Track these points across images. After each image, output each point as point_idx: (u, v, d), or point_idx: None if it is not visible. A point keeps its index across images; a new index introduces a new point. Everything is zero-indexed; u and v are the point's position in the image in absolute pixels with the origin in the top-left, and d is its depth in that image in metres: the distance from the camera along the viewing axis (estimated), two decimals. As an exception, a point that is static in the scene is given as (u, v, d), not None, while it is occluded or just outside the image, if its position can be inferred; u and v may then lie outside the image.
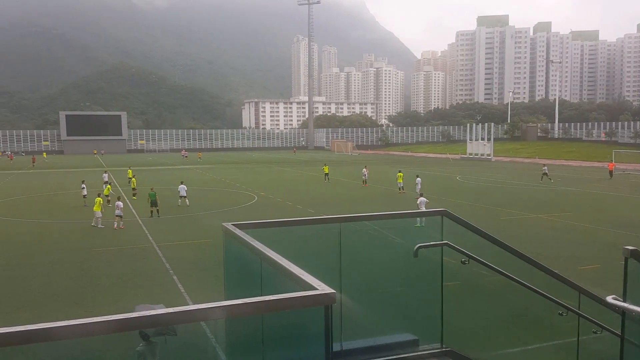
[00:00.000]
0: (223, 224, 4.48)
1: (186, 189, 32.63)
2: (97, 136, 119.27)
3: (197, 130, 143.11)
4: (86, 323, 2.25)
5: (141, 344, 7.73)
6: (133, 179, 38.62)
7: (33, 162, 76.24)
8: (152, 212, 28.02)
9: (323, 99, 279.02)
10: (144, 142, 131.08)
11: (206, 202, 34.37)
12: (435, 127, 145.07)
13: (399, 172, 40.06)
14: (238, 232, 4.12)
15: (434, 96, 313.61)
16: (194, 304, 2.55)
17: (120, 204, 25.67)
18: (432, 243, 5.33)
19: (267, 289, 3.40)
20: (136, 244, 21.50)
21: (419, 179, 35.27)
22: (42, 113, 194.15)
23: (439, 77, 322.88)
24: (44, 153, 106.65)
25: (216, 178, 51.79)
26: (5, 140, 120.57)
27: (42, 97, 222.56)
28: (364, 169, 44.42)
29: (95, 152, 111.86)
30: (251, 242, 3.67)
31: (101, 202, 25.90)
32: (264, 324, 3.13)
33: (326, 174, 47.68)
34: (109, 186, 33.31)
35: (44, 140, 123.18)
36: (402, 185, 38.03)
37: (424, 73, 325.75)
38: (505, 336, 9.68)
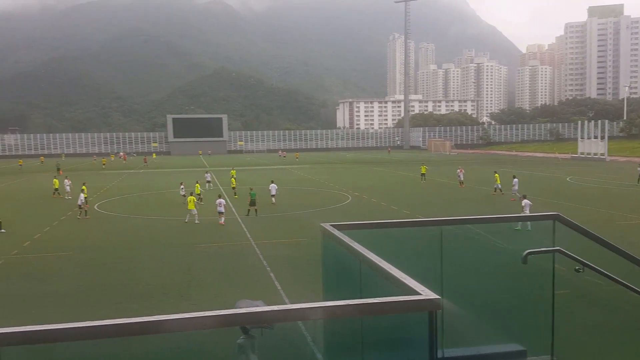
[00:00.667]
0: (321, 224, 4.50)
1: (276, 187, 33.74)
2: (200, 138, 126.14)
3: (292, 131, 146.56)
4: (195, 317, 2.36)
5: (242, 337, 8.02)
6: (232, 179, 40.35)
7: (145, 162, 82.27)
8: (249, 210, 28.97)
9: (420, 97, 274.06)
10: (242, 143, 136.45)
11: (301, 201, 35.04)
12: (543, 125, 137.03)
13: (495, 172, 38.46)
14: (336, 232, 4.12)
15: (541, 92, 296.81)
16: (294, 303, 2.58)
17: (222, 201, 27.00)
18: (543, 249, 5.00)
19: (367, 291, 3.37)
20: (235, 241, 22.41)
21: (515, 179, 33.61)
22: (151, 116, 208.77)
23: (546, 71, 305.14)
24: (154, 154, 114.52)
25: (311, 178, 52.67)
26: (118, 142, 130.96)
27: (152, 101, 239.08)
28: (459, 170, 43.17)
29: (201, 152, 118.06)
30: (350, 244, 3.66)
31: (194, 200, 27.45)
32: (364, 326, 3.10)
33: (423, 174, 46.83)
34: (197, 184, 34.82)
35: (152, 142, 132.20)
36: (499, 186, 36.44)
37: (530, 68, 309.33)
38: (623, 351, 8.90)
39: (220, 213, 26.46)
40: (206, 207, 30.69)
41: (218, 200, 27.10)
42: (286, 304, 12.27)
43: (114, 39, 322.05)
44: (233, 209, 31.45)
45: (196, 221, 26.66)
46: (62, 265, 18.89)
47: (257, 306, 7.77)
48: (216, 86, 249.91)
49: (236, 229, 25.46)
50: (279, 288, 15.50)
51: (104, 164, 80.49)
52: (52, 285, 16.41)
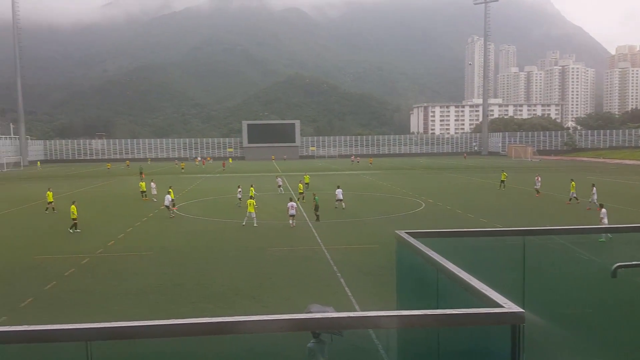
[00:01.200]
0: (396, 231, 4.43)
1: (342, 192, 34.18)
2: (273, 143, 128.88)
3: (364, 137, 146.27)
4: (269, 320, 2.40)
5: (312, 341, 8.05)
6: (300, 184, 40.64)
7: (223, 167, 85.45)
8: (317, 216, 29.18)
9: (499, 101, 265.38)
10: (314, 148, 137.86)
11: (373, 207, 34.83)
12: (633, 130, 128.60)
13: (572, 180, 36.46)
14: (412, 240, 4.04)
15: (632, 95, 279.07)
16: (364, 310, 2.54)
17: (293, 204, 27.61)
18: (634, 263, 4.65)
19: (444, 301, 3.27)
20: (306, 246, 22.61)
21: (595, 188, 31.72)
22: (227, 122, 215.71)
23: (637, 74, 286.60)
24: (230, 159, 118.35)
25: (383, 184, 52.28)
26: (196, 147, 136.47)
27: (228, 107, 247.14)
28: (536, 178, 41.39)
29: (274, 157, 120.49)
30: (427, 252, 3.57)
31: (254, 203, 28.26)
32: (440, 338, 3.00)
33: (502, 181, 45.24)
34: (252, 188, 35.73)
35: (228, 147, 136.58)
36: (574, 194, 34.57)
37: (620, 70, 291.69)
38: None
39: (292, 216, 26.98)
40: (265, 210, 31.18)
41: (290, 204, 27.62)
42: (356, 310, 12.19)
43: (195, 48, 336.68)
44: (304, 214, 31.79)
45: (255, 224, 27.41)
46: (143, 264, 19.90)
47: (328, 311, 7.79)
48: (290, 92, 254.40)
49: (307, 233, 25.70)
50: (349, 294, 15.45)
51: (182, 168, 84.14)
52: (133, 283, 17.31)
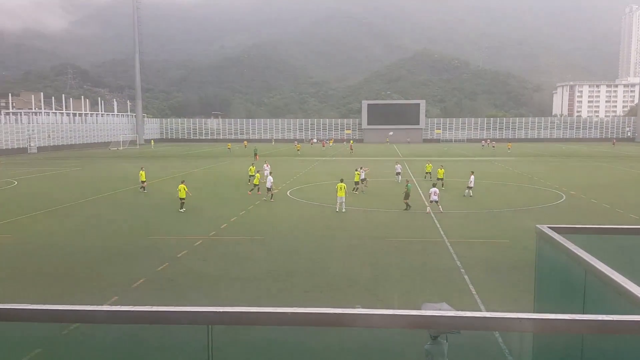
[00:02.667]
0: (537, 225, 4.20)
1: (473, 179, 34.13)
2: (395, 125, 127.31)
3: (498, 119, 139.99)
4: (386, 315, 2.39)
5: (429, 343, 7.95)
6: (440, 170, 39.76)
7: (351, 150, 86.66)
8: (407, 204, 28.95)
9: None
10: (440, 131, 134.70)
11: (505, 198, 33.38)
12: None
13: None
14: (556, 236, 3.78)
15: None
16: (491, 311, 2.42)
17: (436, 190, 28.17)
18: None
19: (592, 305, 3.02)
20: (427, 237, 22.25)
21: None
22: (346, 102, 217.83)
23: None
24: (351, 141, 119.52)
25: (519, 172, 49.83)
26: (312, 128, 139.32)
27: (348, 86, 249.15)
28: None
29: (388, 140, 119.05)
30: (574, 250, 3.33)
31: (344, 187, 28.70)
32: (585, 347, 2.78)
33: None
34: (357, 172, 35.95)
35: (346, 129, 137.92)
36: None
37: None
38: None
39: (434, 202, 27.77)
40: (384, 198, 30.98)
41: (432, 190, 28.21)
42: (481, 310, 11.74)
43: (315, 22, 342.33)
44: (426, 202, 31.30)
45: (343, 209, 27.98)
46: (254, 249, 20.75)
47: (442, 309, 7.59)
48: (416, 69, 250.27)
49: (428, 223, 25.29)
50: (474, 292, 14.97)
51: (298, 150, 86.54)
52: (245, 267, 18.08)
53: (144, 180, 36.84)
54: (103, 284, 16.21)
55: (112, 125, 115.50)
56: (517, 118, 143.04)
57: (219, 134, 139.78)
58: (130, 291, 15.37)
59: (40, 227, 25.08)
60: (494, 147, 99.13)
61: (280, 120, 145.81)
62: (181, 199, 28.97)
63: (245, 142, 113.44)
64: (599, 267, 2.87)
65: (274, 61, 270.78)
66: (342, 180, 29.93)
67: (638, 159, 67.42)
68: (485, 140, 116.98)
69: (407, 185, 30.61)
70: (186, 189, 29.25)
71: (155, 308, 2.67)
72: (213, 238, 22.47)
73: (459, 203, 31.36)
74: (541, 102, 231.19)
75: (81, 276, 17.24)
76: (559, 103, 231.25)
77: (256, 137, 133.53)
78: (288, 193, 36.21)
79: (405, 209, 28.73)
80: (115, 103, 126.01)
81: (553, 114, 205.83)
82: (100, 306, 2.74)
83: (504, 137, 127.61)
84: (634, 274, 2.84)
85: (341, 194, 28.52)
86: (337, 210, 28.43)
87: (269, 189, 32.73)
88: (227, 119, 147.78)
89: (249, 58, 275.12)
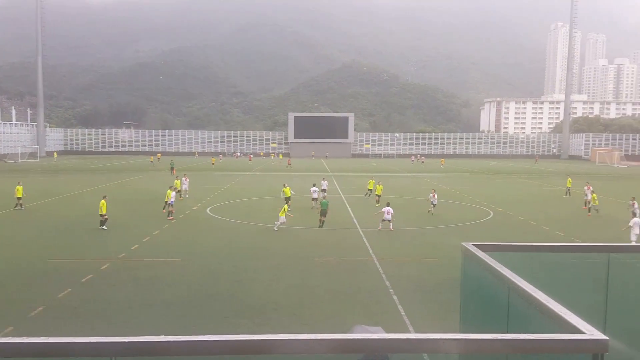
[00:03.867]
0: (463, 243, 4.38)
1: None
2: (323, 139, 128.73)
3: (427, 134, 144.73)
4: (309, 339, 2.42)
5: None
6: (378, 186, 40.22)
7: (289, 164, 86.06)
8: (321, 221, 29.45)
9: (584, 97, 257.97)
10: (369, 145, 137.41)
11: (434, 215, 34.39)
12: None
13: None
14: (480, 254, 3.96)
15: None
16: (419, 332, 2.50)
17: (389, 209, 28.53)
18: None
19: (516, 325, 3.19)
20: (356, 257, 22.55)
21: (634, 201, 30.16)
22: (272, 114, 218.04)
23: None
24: (281, 154, 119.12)
25: (446, 188, 51.56)
26: (236, 141, 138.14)
27: (273, 97, 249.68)
28: (585, 187, 37.92)
29: (313, 154, 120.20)
30: (498, 268, 3.50)
31: (286, 209, 29.00)
32: None
33: (568, 189, 45.10)
34: (286, 188, 35.70)
35: (272, 142, 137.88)
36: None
37: None
38: None
39: (387, 220, 28.21)
40: (312, 215, 31.25)
41: (386, 208, 28.58)
42: (410, 332, 12.00)
43: (239, 29, 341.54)
44: (354, 220, 31.75)
45: (275, 228, 28.13)
46: (170, 272, 20.09)
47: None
48: (344, 81, 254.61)
49: (357, 242, 25.66)
50: (403, 313, 15.31)
51: (212, 164, 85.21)
52: (159, 293, 17.43)
53: (20, 196, 34.33)
54: (-4, 314, 15.27)
55: (9, 135, 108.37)
56: (446, 134, 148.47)
57: (132, 145, 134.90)
58: (27, 321, 14.54)
59: None
60: (423, 162, 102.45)
61: (200, 132, 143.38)
62: (102, 215, 27.86)
63: (159, 154, 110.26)
64: (522, 286, 3.03)
65: (193, 68, 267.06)
66: (288, 198, 30.08)
67: (562, 176, 71.47)
68: (415, 155, 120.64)
69: (321, 202, 30.68)
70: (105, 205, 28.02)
71: (54, 339, 2.57)
72: (122, 260, 21.56)
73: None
74: (469, 118, 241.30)
75: (-29, 304, 16.17)
76: (487, 119, 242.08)
77: (173, 150, 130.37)
78: (208, 210, 35.63)
79: (320, 227, 29.06)
80: (13, 111, 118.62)
81: (481, 129, 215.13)
82: None
83: (432, 153, 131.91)
84: (556, 291, 3.03)
85: (281, 214, 28.32)
86: (276, 229, 28.28)
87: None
88: (140, 130, 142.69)
89: (166, 64, 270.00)
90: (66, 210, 34.64)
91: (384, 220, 28.54)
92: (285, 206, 29.45)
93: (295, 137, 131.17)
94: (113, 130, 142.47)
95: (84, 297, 16.85)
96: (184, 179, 42.54)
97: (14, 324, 14.28)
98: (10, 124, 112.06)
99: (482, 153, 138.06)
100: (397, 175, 71.15)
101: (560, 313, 2.56)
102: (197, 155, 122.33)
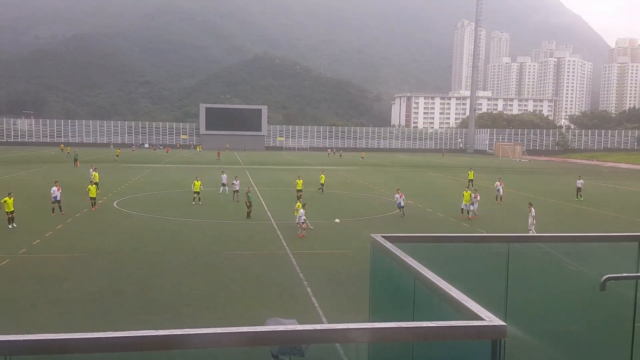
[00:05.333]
0: (372, 235, 4.51)
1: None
2: (235, 131, 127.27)
3: (340, 127, 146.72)
4: (218, 333, 2.42)
5: None
6: (322, 175, 42.01)
7: (218, 157, 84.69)
8: (248, 213, 29.82)
9: (489, 94, 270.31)
10: (283, 138, 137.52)
11: (345, 208, 34.98)
12: (630, 132, 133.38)
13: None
14: (389, 245, 4.10)
15: (630, 93, 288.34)
16: (333, 323, 2.57)
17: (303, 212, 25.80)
18: (624, 275, 4.87)
19: (421, 313, 3.35)
20: (270, 250, 22.61)
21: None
22: (182, 105, 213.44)
23: (637, 70, 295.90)
24: (199, 147, 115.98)
25: (358, 181, 52.61)
26: (144, 132, 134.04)
27: (184, 87, 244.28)
28: (498, 182, 39.88)
29: (228, 146, 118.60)
30: (404, 259, 3.64)
31: (300, 206, 26.50)
32: (415, 353, 3.07)
33: (470, 181, 47.22)
34: (197, 182, 34.80)
35: (182, 134, 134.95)
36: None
37: (619, 65, 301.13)
38: None
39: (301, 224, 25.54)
40: (226, 208, 31.10)
41: (300, 211, 25.75)
42: (323, 323, 12.22)
43: (146, 16, 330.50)
44: (269, 214, 31.76)
45: (311, 227, 26.51)
46: (73, 268, 19.35)
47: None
48: (257, 73, 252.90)
49: (271, 235, 25.70)
50: (316, 305, 15.54)
51: (117, 156, 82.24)
52: (62, 289, 16.82)
53: None
54: None
55: None
56: (359, 127, 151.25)
57: (32, 136, 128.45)
58: None
59: None
60: (340, 156, 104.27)
61: (105, 122, 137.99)
62: (9, 213, 26.09)
63: (62, 145, 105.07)
64: (426, 275, 3.19)
65: (97, 56, 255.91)
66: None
67: (467, 170, 74.72)
68: (331, 148, 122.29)
69: (247, 195, 30.59)
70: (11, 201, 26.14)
71: None
72: (23, 256, 20.60)
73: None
74: (381, 112, 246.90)
75: None
76: (397, 113, 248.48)
77: (76, 141, 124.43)
78: (115, 204, 34.45)
79: (247, 217, 29.26)
80: None
81: (392, 124, 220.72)
82: None
83: (346, 146, 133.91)
84: (460, 280, 3.21)
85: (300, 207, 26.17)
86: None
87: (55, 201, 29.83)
88: (40, 119, 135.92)
89: (68, 51, 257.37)
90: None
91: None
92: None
93: (207, 129, 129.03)
94: (12, 119, 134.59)
95: (-20, 296, 16.00)
96: (91, 170, 40.98)
97: None
98: None
99: (394, 147, 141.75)
100: (312, 168, 71.66)
101: (461, 301, 2.72)
102: (112, 146, 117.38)
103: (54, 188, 30.21)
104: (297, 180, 38.60)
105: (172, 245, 23.23)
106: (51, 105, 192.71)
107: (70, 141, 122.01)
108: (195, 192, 34.84)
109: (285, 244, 23.53)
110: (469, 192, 32.56)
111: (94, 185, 33.71)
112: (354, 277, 18.27)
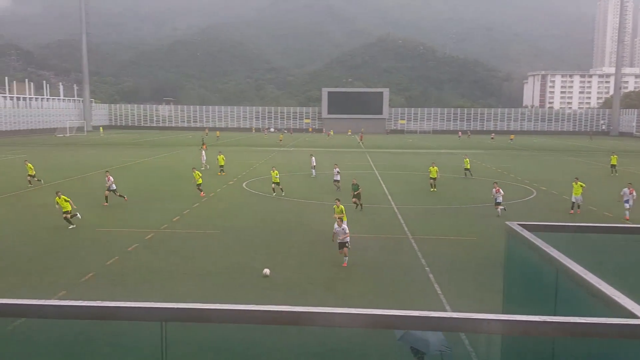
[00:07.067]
0: (507, 222, 4.27)
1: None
2: (357, 115, 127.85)
3: (465, 110, 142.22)
4: (344, 313, 2.47)
5: None
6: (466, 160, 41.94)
7: (360, 140, 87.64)
8: (355, 204, 27.86)
9: (636, 70, 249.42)
10: (404, 122, 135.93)
11: (472, 193, 33.96)
12: None
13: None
14: (526, 234, 3.85)
15: None
16: (457, 312, 2.46)
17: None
18: None
19: (564, 307, 3.09)
20: (390, 234, 22.48)
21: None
22: (305, 89, 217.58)
23: None
24: (331, 131, 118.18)
25: (486, 166, 50.85)
26: (270, 117, 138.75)
27: (307, 72, 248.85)
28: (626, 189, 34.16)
29: (350, 132, 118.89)
30: (545, 249, 3.40)
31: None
32: (556, 350, 2.84)
33: (613, 166, 45.10)
34: (274, 172, 33.26)
35: (305, 118, 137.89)
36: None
37: None
38: None
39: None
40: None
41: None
42: (447, 311, 11.93)
43: (272, 4, 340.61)
44: (389, 197, 31.59)
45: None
46: (208, 244, 20.74)
47: (431, 338, 7.55)
48: (379, 56, 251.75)
49: (392, 219, 25.55)
50: (439, 292, 15.23)
51: (280, 140, 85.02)
52: (198, 263, 18.17)
53: (32, 174, 34.86)
54: (49, 279, 16.19)
55: (58, 110, 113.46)
56: (486, 109, 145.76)
57: (171, 121, 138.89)
58: (78, 286, 15.45)
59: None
60: (469, 136, 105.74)
61: (236, 107, 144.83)
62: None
63: (207, 130, 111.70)
64: (572, 267, 2.93)
65: (228, 45, 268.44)
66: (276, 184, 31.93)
67: (616, 155, 69.70)
68: (464, 131, 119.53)
69: (352, 185, 28.80)
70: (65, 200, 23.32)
71: (106, 303, 2.67)
72: (165, 231, 22.44)
73: (424, 199, 31.80)
74: (511, 92, 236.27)
75: (25, 270, 17.19)
76: (530, 93, 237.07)
77: (210, 125, 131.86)
78: (244, 185, 36.08)
79: (357, 208, 27.61)
80: (61, 87, 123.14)
81: (524, 104, 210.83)
82: (47, 300, 2.71)
83: (472, 129, 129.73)
84: (607, 274, 2.91)
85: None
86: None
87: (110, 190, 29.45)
88: (179, 106, 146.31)
89: (203, 41, 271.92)
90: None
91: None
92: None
93: (328, 113, 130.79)
94: (154, 106, 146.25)
95: (131, 265, 17.89)
96: (202, 151, 45.74)
97: (66, 288, 15.23)
98: (58, 99, 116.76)
99: (526, 129, 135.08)
100: (443, 152, 70.33)
101: (613, 297, 2.47)
102: (254, 131, 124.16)
103: (108, 177, 29.54)
104: (431, 167, 35.25)
105: (297, 226, 23.92)
106: (188, 92, 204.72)
107: (204, 125, 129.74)
108: (274, 183, 32.54)
109: (406, 229, 23.28)
110: (579, 183, 28.04)
111: (197, 172, 32.48)
112: (482, 265, 17.70)
